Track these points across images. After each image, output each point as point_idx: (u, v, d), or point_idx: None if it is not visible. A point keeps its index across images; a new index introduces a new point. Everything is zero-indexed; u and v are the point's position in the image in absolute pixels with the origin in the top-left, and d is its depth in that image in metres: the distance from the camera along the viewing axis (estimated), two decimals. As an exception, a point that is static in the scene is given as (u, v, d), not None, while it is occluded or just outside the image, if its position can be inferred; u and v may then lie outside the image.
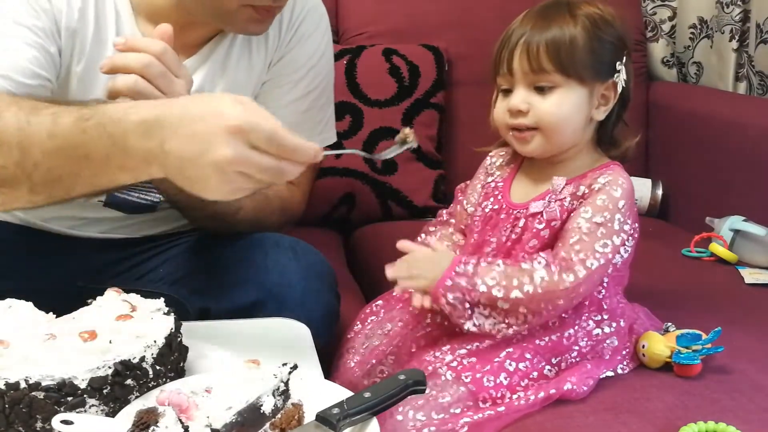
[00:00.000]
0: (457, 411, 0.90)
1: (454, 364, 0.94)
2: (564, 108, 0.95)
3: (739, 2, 1.69)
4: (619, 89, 0.98)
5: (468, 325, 0.93)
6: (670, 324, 1.05)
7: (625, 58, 0.99)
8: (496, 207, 1.03)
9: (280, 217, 1.10)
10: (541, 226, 0.97)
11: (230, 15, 0.99)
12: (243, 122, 0.70)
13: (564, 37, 0.94)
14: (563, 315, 0.95)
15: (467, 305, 0.93)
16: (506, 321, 0.92)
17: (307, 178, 1.16)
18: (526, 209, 0.99)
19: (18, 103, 0.79)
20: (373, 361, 1.05)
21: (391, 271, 0.99)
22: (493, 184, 1.06)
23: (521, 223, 0.98)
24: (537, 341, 0.95)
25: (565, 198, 0.96)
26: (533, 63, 0.95)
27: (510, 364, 0.93)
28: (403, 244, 1.02)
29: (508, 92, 0.99)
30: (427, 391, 0.89)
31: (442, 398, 0.91)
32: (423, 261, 0.98)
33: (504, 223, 1.00)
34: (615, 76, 0.98)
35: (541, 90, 0.96)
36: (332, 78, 1.22)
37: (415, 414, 0.89)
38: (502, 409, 0.90)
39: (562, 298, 0.91)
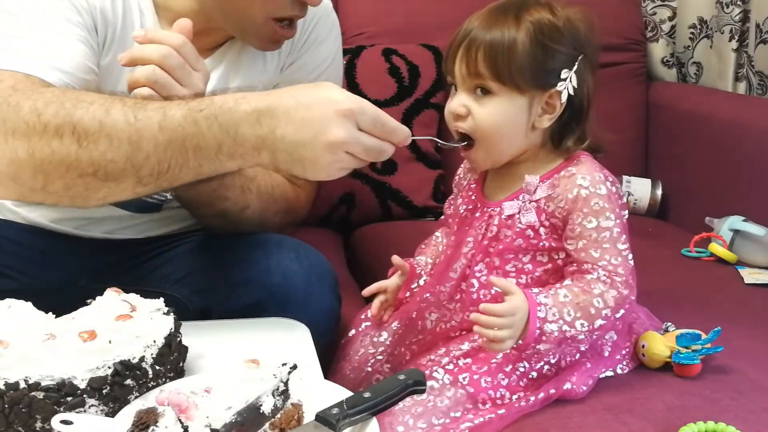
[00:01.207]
0: (457, 414, 0.90)
1: (450, 366, 0.94)
2: (499, 116, 0.93)
3: (738, 2, 1.69)
4: (563, 98, 0.93)
5: (552, 359, 0.93)
6: (669, 324, 1.05)
7: (577, 65, 0.94)
8: (470, 207, 1.02)
9: (285, 218, 1.11)
10: (522, 226, 0.95)
11: (254, 28, 1.01)
12: (354, 106, 0.80)
13: (503, 42, 0.91)
14: None
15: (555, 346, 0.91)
16: (585, 339, 0.92)
17: (311, 182, 1.17)
18: (499, 208, 0.97)
19: (122, 100, 0.82)
20: (369, 369, 1.05)
21: (485, 338, 0.90)
22: (465, 184, 1.07)
23: (495, 221, 0.97)
24: None
25: (540, 200, 0.95)
26: (470, 67, 0.93)
27: (507, 366, 0.93)
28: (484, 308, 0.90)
29: (455, 90, 0.98)
30: (424, 397, 0.89)
31: (440, 402, 0.91)
32: (505, 316, 0.88)
33: (479, 221, 0.99)
34: (559, 85, 0.93)
35: (480, 94, 0.94)
36: (341, 83, 1.22)
37: (415, 422, 0.89)
38: (502, 411, 0.90)
39: (623, 307, 0.92)
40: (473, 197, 1.03)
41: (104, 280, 1.09)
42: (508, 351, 0.92)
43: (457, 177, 1.11)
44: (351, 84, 1.67)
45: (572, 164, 0.96)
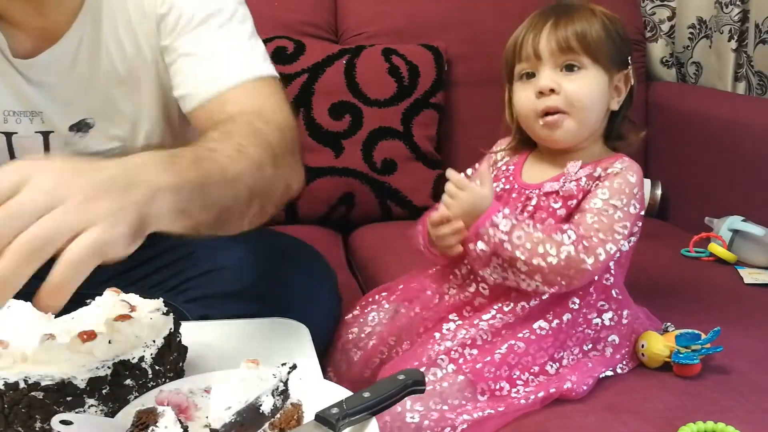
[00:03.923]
0: (455, 402, 0.90)
1: (456, 355, 0.95)
2: (588, 89, 0.98)
3: (738, 2, 1.69)
4: (632, 82, 1.02)
5: (482, 272, 0.95)
6: (669, 324, 1.05)
7: (630, 57, 1.03)
8: (507, 187, 1.04)
9: (289, 137, 0.90)
10: (557, 205, 0.98)
11: None
12: None
13: (589, 25, 0.98)
14: (571, 303, 0.96)
15: (490, 254, 0.93)
16: (518, 280, 0.93)
17: (271, 101, 0.95)
18: (539, 189, 1.00)
19: None
20: (374, 341, 1.06)
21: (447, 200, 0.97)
22: (503, 167, 1.07)
23: (533, 201, 0.99)
24: (539, 331, 0.95)
25: (580, 178, 0.98)
26: (562, 42, 0.97)
27: (513, 359, 0.93)
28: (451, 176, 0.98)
29: (530, 77, 1.00)
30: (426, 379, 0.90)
31: (439, 386, 0.91)
32: (469, 199, 0.95)
33: (515, 201, 1.01)
34: (628, 68, 1.01)
35: (568, 70, 0.98)
36: (246, 10, 1.02)
37: (413, 405, 0.89)
38: (501, 408, 0.90)
39: (578, 278, 0.92)
40: (511, 178, 1.05)
41: (92, 285, 1.08)
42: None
43: (492, 156, 1.12)
44: (351, 84, 1.67)
45: (616, 157, 1.00)
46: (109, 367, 0.69)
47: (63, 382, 0.66)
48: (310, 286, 1.00)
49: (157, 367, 0.73)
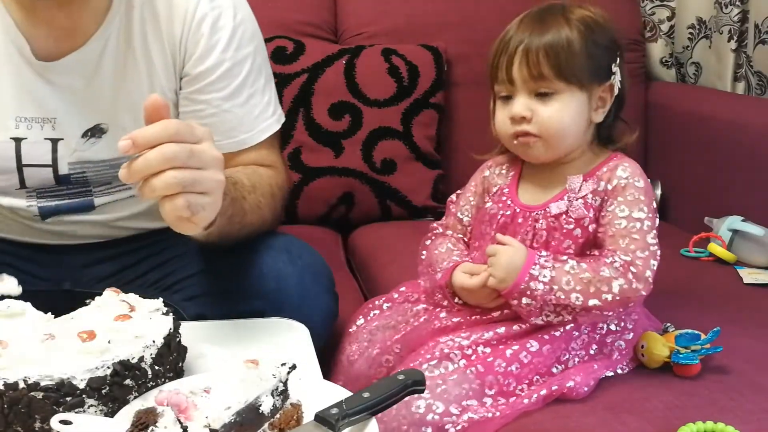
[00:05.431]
0: (461, 392, 0.91)
1: (469, 352, 0.95)
2: (565, 114, 0.96)
3: (737, 2, 1.69)
4: (616, 91, 0.99)
5: (536, 320, 0.94)
6: (669, 324, 1.05)
7: (618, 59, 1.00)
8: (508, 213, 1.02)
9: (284, 203, 1.09)
10: (571, 227, 0.97)
11: None
12: None
13: (561, 41, 0.95)
14: None
15: (539, 305, 0.93)
16: (577, 318, 0.94)
17: (278, 155, 1.11)
18: (544, 210, 0.99)
19: None
20: (377, 350, 1.05)
21: (491, 278, 0.96)
22: (497, 191, 1.06)
23: (541, 224, 0.98)
24: (553, 331, 0.95)
25: (586, 195, 0.97)
26: (533, 70, 0.95)
27: (526, 356, 0.93)
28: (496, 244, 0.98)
29: (507, 99, 0.99)
30: (436, 372, 0.91)
31: (450, 377, 0.92)
32: (508, 254, 0.95)
33: (522, 227, 1.00)
34: (611, 78, 0.99)
35: (541, 96, 0.96)
36: (264, 53, 1.09)
37: (419, 397, 0.89)
38: (504, 407, 0.90)
39: (635, 301, 0.93)
40: (509, 203, 1.03)
41: (88, 283, 1.09)
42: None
43: (477, 182, 1.10)
44: (351, 84, 1.67)
45: (613, 160, 0.99)
46: (108, 367, 0.69)
47: (63, 382, 0.67)
48: (306, 282, 1.00)
49: (156, 367, 0.73)
